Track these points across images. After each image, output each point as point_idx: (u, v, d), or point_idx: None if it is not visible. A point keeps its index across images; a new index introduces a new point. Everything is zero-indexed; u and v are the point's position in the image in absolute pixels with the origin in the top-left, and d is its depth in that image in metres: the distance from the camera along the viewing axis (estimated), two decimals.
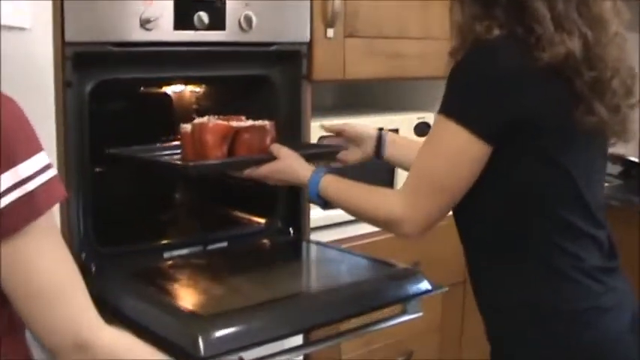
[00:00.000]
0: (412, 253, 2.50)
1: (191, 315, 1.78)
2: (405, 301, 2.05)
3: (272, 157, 2.02)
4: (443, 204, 1.68)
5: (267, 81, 2.37)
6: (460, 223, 1.81)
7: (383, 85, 3.21)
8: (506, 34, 1.64)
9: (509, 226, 1.71)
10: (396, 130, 2.75)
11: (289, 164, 2.00)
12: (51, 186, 1.30)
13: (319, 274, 2.33)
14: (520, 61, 1.61)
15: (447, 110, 1.64)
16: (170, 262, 2.20)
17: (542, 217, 1.69)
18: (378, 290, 2.04)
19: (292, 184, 2.04)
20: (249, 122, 2.08)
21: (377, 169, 2.52)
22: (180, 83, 2.54)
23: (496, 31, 1.65)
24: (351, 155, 2.20)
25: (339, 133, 2.21)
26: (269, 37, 2.26)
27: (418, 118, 2.93)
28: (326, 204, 1.92)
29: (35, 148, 1.30)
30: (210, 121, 1.99)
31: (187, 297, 1.99)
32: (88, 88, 1.98)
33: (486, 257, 1.78)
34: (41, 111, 1.79)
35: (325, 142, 2.49)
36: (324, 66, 2.45)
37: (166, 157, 2.15)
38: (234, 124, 2.02)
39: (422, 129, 2.92)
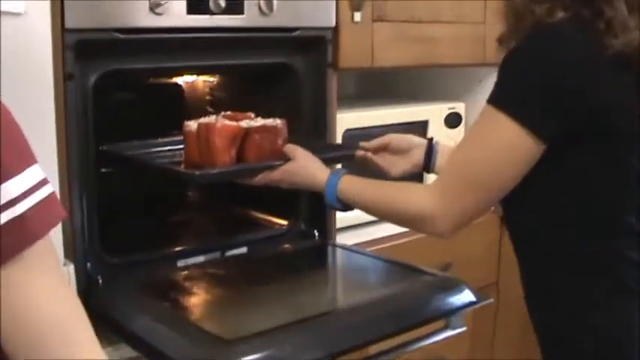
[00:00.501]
0: (443, 254, 2.44)
1: (212, 338, 1.59)
2: (448, 316, 1.87)
3: (286, 162, 1.89)
4: (480, 202, 1.55)
5: (288, 70, 2.21)
6: (514, 233, 1.66)
7: (411, 72, 3.06)
8: (571, 17, 1.47)
9: (569, 235, 1.56)
10: (425, 122, 2.67)
11: (304, 165, 1.87)
12: (47, 206, 1.08)
13: (349, 285, 2.13)
14: (587, 48, 1.45)
15: (497, 101, 1.48)
16: (185, 273, 2.03)
17: (606, 224, 1.54)
18: (417, 305, 1.86)
19: (308, 187, 1.90)
20: (260, 121, 1.94)
21: None
22: (193, 73, 2.40)
23: (559, 14, 1.48)
24: (397, 167, 2.02)
25: (383, 147, 2.03)
26: (291, 22, 2.10)
27: (449, 109, 2.78)
28: (346, 207, 1.80)
29: (27, 160, 1.07)
30: (218, 121, 1.86)
31: (205, 315, 1.82)
32: (92, 80, 1.82)
33: (544, 273, 1.62)
34: (39, 107, 1.65)
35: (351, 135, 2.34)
36: (351, 53, 2.29)
37: (169, 162, 2.02)
38: (244, 124, 1.88)
39: (453, 120, 2.79)
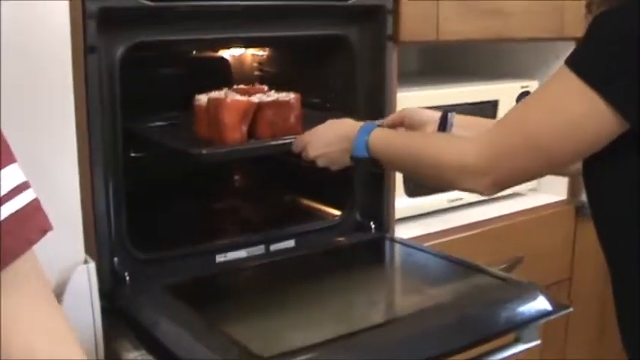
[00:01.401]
0: (514, 247, 2.33)
1: (246, 355, 1.39)
2: (521, 328, 1.64)
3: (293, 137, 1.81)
4: (533, 165, 1.38)
5: (343, 43, 2.02)
6: (604, 234, 1.44)
7: (479, 47, 2.83)
8: None
9: None
10: (495, 102, 2.47)
11: (330, 124, 1.77)
12: (26, 217, 0.87)
13: (407, 288, 1.92)
14: None
15: (576, 63, 1.29)
16: (224, 270, 1.86)
17: None
18: (485, 315, 1.62)
19: (336, 147, 1.73)
20: (273, 96, 1.86)
21: None
22: (239, 46, 2.26)
23: None
24: None
25: (399, 123, 1.83)
26: None
27: (522, 88, 2.56)
28: (374, 161, 1.65)
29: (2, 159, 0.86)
30: (228, 96, 1.78)
31: (242, 323, 1.60)
32: (119, 53, 1.65)
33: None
34: (56, 82, 1.50)
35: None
36: (414, 24, 2.08)
37: (181, 139, 1.86)
38: (255, 99, 1.81)
39: None
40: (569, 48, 2.47)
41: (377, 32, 2.02)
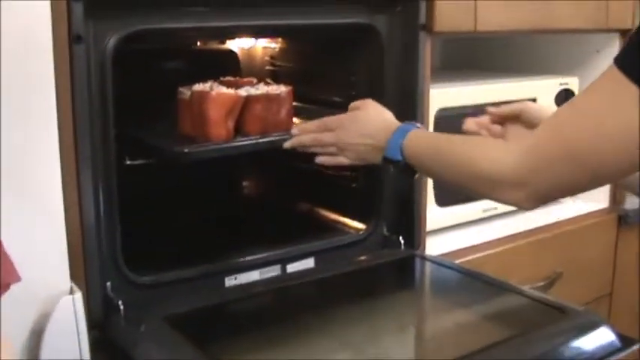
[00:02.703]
0: (552, 262, 2.23)
1: None
2: None
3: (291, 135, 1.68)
4: (577, 180, 1.25)
5: (370, 33, 1.83)
6: None
7: (514, 39, 2.64)
8: None
9: None
10: (533, 100, 2.26)
11: (371, 113, 1.62)
12: None
13: (444, 317, 1.70)
14: None
15: (628, 65, 1.16)
16: (234, 295, 1.67)
17: None
18: (540, 352, 1.41)
19: (370, 141, 1.57)
20: (262, 89, 1.76)
21: None
22: (249, 36, 2.09)
23: None
24: None
25: (514, 116, 1.68)
26: None
27: (561, 85, 2.38)
28: (406, 166, 1.51)
29: None
30: (213, 89, 1.68)
31: None
32: (111, 43, 1.45)
33: None
34: (34, 79, 1.32)
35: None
36: (449, 13, 1.89)
37: (160, 137, 1.72)
38: (243, 92, 1.71)
39: (565, 99, 2.35)
40: (612, 41, 2.35)
41: (408, 21, 1.85)
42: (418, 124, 1.56)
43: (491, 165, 1.32)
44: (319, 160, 1.63)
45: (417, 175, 1.54)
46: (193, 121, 1.68)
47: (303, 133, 1.64)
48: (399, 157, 1.49)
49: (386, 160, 1.53)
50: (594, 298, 2.41)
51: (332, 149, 1.60)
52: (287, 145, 1.65)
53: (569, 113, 1.28)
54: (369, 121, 1.59)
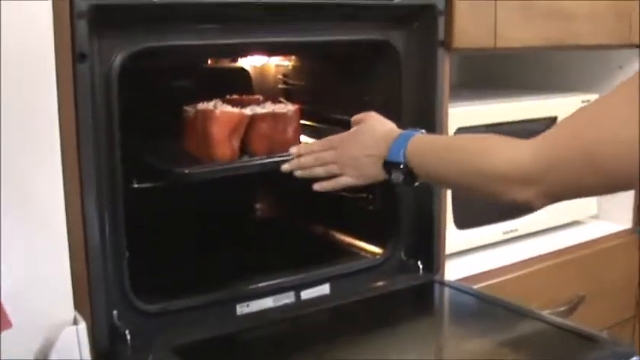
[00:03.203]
0: (574, 285, 2.17)
1: None
2: None
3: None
4: (592, 183, 1.23)
5: (386, 50, 1.78)
6: None
7: (535, 55, 2.59)
8: None
9: None
10: (553, 119, 2.24)
11: (370, 125, 1.59)
12: None
13: (465, 346, 1.62)
14: None
15: None
16: (246, 324, 1.61)
17: None
18: None
19: (371, 151, 1.54)
20: (268, 107, 1.75)
21: None
22: (260, 53, 2.03)
23: None
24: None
25: None
26: None
27: (582, 102, 2.29)
28: (409, 172, 1.47)
29: None
30: (217, 107, 1.66)
31: None
32: (117, 62, 1.40)
33: None
34: (37, 99, 1.27)
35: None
36: (469, 29, 1.84)
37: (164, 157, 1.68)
38: (248, 111, 1.70)
39: None
40: (634, 57, 2.29)
41: (426, 37, 1.79)
42: (422, 130, 1.52)
43: (504, 162, 1.30)
44: (317, 187, 1.60)
45: (417, 183, 1.49)
46: (198, 140, 1.66)
47: (305, 153, 1.61)
48: (401, 159, 1.46)
49: (387, 165, 1.49)
50: (618, 321, 2.36)
51: (333, 168, 1.57)
52: (285, 167, 1.62)
53: (588, 115, 1.26)
54: (371, 132, 1.56)
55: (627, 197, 2.38)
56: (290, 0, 1.57)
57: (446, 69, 1.81)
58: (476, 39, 1.87)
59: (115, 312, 1.46)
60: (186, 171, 1.55)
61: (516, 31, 1.95)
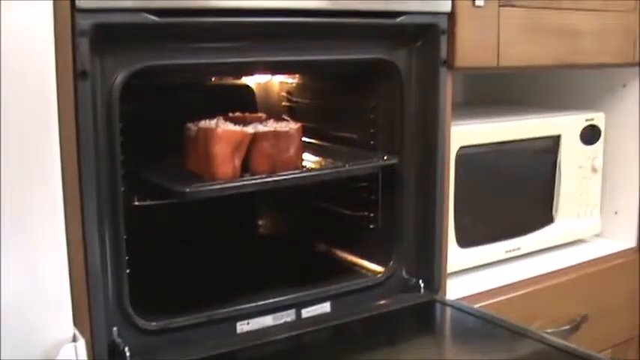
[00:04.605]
0: (577, 304, 2.17)
1: None
2: None
3: (298, 172, 1.70)
4: None
5: (389, 69, 1.76)
6: None
7: (538, 73, 2.55)
8: None
9: None
10: (557, 138, 2.23)
11: None
12: None
13: None
14: None
15: None
16: (246, 342, 1.59)
17: None
18: None
19: None
20: (271, 125, 1.74)
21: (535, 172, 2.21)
22: (263, 72, 2.03)
23: None
24: None
25: None
26: (393, 5, 1.68)
27: (587, 120, 2.30)
28: None
29: None
30: (219, 125, 1.66)
31: None
32: (118, 80, 1.39)
33: None
34: (37, 117, 1.24)
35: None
36: (472, 48, 1.82)
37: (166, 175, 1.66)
38: (250, 129, 1.70)
39: (591, 136, 2.32)
40: (639, 75, 2.28)
41: (429, 57, 1.78)
42: None
43: None
44: None
45: None
46: (199, 158, 1.65)
47: None
48: None
49: None
50: (622, 340, 2.34)
51: None
52: None
53: None
54: None
55: (631, 216, 2.36)
56: (292, 19, 1.54)
57: (448, 88, 1.79)
58: (479, 58, 1.85)
59: (114, 329, 1.45)
60: (187, 190, 1.53)
61: (519, 50, 1.92)
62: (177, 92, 1.95)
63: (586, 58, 2.09)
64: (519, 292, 2.02)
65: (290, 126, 1.74)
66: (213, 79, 2.05)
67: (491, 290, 1.99)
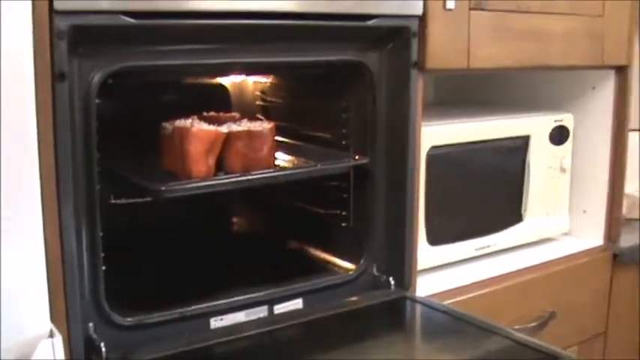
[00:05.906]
0: (544, 301, 2.19)
1: None
2: None
3: (272, 171, 1.72)
4: None
5: (361, 70, 1.79)
6: None
7: (503, 74, 2.58)
8: None
9: None
10: (526, 138, 2.26)
11: None
12: None
13: None
14: None
15: None
16: (220, 338, 1.60)
17: None
18: None
19: None
20: (244, 125, 1.76)
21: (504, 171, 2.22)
22: (237, 73, 2.06)
23: None
24: None
25: None
26: (365, 8, 1.69)
27: (555, 121, 2.33)
28: None
29: None
30: (194, 125, 1.67)
31: None
32: (95, 80, 1.41)
33: None
34: (14, 118, 1.24)
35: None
36: (442, 50, 1.84)
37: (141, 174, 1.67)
38: (224, 128, 1.71)
39: (560, 136, 2.34)
40: (607, 78, 2.30)
41: (400, 59, 1.79)
42: None
43: None
44: None
45: None
46: (175, 157, 1.66)
47: None
48: None
49: None
50: (588, 337, 2.37)
51: None
52: None
53: None
54: None
55: (599, 215, 2.38)
56: (266, 21, 1.55)
57: (419, 89, 1.81)
58: (449, 60, 1.86)
59: (90, 325, 1.46)
60: (162, 188, 1.54)
61: (489, 52, 1.94)
62: (152, 91, 1.95)
63: (554, 61, 2.12)
64: (488, 290, 2.04)
65: (263, 125, 1.75)
66: (188, 78, 2.05)
67: (460, 287, 2.01)
